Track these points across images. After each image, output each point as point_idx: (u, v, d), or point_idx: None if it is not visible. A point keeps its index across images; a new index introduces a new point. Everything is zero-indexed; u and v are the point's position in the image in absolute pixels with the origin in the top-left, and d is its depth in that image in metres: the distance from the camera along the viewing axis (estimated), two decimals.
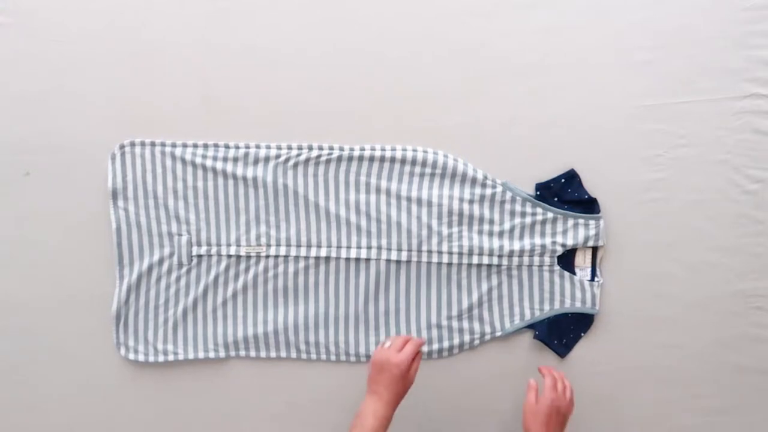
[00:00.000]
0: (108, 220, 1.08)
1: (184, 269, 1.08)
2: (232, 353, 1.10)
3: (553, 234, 1.06)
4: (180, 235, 1.08)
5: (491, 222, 1.06)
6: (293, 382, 1.10)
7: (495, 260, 1.06)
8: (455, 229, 1.06)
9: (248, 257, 1.07)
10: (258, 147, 1.06)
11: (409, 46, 1.05)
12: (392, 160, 1.06)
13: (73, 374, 1.11)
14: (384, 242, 1.07)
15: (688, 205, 1.06)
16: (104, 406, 1.11)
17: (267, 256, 1.07)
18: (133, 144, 1.07)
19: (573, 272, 1.07)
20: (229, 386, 1.11)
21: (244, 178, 1.06)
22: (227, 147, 1.07)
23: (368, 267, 1.07)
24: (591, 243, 1.05)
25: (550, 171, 1.06)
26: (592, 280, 1.07)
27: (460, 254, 1.06)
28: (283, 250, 1.07)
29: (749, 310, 1.07)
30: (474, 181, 1.06)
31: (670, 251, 1.07)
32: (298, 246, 1.07)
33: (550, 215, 1.05)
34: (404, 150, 1.06)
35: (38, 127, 1.07)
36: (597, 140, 1.06)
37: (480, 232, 1.06)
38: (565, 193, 1.05)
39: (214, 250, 1.08)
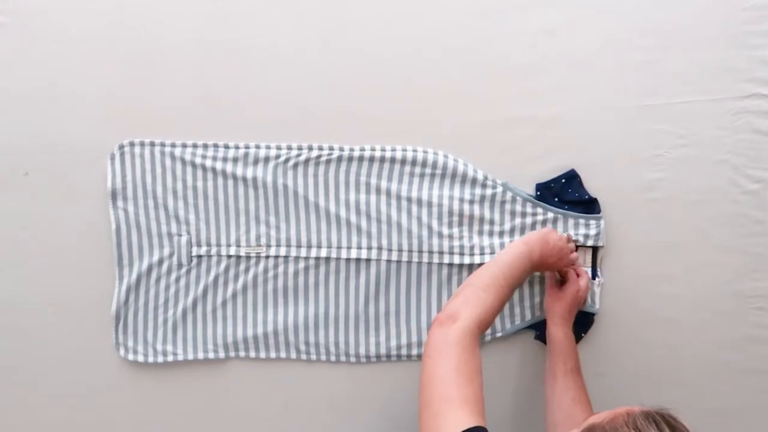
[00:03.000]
0: (107, 220, 1.07)
1: (184, 270, 1.08)
2: (232, 354, 1.09)
3: None
4: (180, 235, 1.08)
5: (492, 222, 1.06)
6: (293, 382, 1.10)
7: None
8: (455, 230, 1.06)
9: (248, 258, 1.07)
10: (258, 147, 1.06)
11: (408, 46, 1.05)
12: (392, 160, 1.06)
13: (73, 374, 1.10)
14: (384, 243, 1.06)
15: (688, 205, 1.06)
16: (104, 407, 1.11)
17: (267, 257, 1.07)
18: (132, 144, 1.07)
19: None
20: (229, 386, 1.10)
21: (244, 179, 1.06)
22: (227, 147, 1.06)
23: (368, 267, 1.07)
24: (591, 243, 1.05)
25: (550, 171, 1.06)
26: (593, 279, 1.07)
27: (461, 255, 1.06)
28: (283, 251, 1.07)
29: (749, 311, 1.07)
30: (474, 181, 1.05)
31: (670, 251, 1.07)
32: (298, 246, 1.07)
33: (550, 215, 1.05)
34: (404, 150, 1.06)
35: (37, 127, 1.07)
36: (597, 140, 1.06)
37: (480, 233, 1.06)
38: (566, 193, 1.05)
39: (213, 250, 1.08)
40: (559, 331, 0.98)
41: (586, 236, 1.05)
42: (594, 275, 1.07)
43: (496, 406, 1.10)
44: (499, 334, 1.08)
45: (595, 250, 1.07)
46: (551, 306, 1.01)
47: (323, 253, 1.07)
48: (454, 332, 0.77)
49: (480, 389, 0.72)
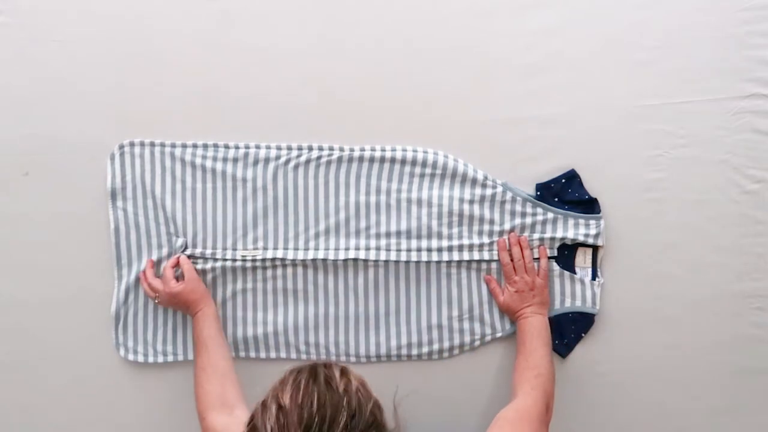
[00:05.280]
0: (107, 220, 1.07)
1: (182, 270, 1.08)
2: (232, 354, 1.09)
3: (554, 234, 1.06)
4: (177, 236, 1.08)
5: (491, 222, 1.06)
6: None
7: (495, 262, 1.06)
8: (455, 230, 1.06)
9: (246, 259, 1.07)
10: (258, 147, 1.06)
11: (409, 46, 1.05)
12: (392, 160, 1.06)
13: (73, 374, 1.10)
14: (384, 243, 1.06)
15: (688, 205, 1.06)
16: (104, 407, 1.11)
17: (265, 258, 1.07)
18: (132, 144, 1.07)
19: (573, 272, 1.07)
20: None
21: (244, 180, 1.06)
22: (227, 147, 1.06)
23: (368, 267, 1.07)
24: (591, 242, 1.05)
25: (550, 171, 1.06)
26: (593, 279, 1.07)
27: (461, 254, 1.06)
28: (280, 253, 1.07)
29: (749, 311, 1.07)
30: (474, 181, 1.05)
31: (670, 251, 1.07)
32: (296, 248, 1.07)
33: (550, 215, 1.05)
34: (404, 150, 1.06)
35: (38, 127, 1.07)
36: (597, 140, 1.06)
37: (480, 233, 1.06)
38: (566, 193, 1.05)
39: (210, 252, 1.07)
40: (518, 326, 1.04)
41: (586, 236, 1.05)
42: (594, 275, 1.07)
43: (497, 407, 1.10)
44: (499, 334, 1.08)
45: (595, 250, 1.07)
46: (510, 315, 1.07)
47: (321, 254, 1.07)
48: None
49: None
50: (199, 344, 0.98)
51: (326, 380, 0.69)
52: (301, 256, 1.07)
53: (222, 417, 0.87)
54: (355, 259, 1.07)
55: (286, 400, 0.66)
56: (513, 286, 1.04)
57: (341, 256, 1.06)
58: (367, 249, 1.06)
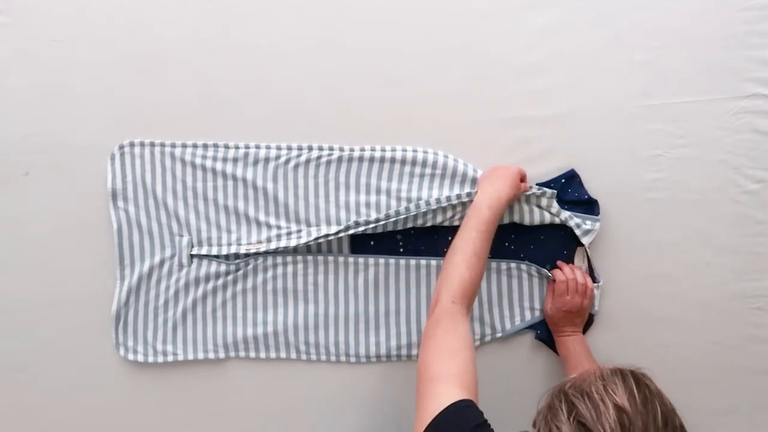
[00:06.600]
0: (107, 220, 1.07)
1: (185, 270, 1.08)
2: (232, 354, 1.09)
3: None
4: (181, 236, 1.08)
5: None
6: (293, 382, 1.10)
7: (494, 261, 1.06)
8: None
9: (247, 258, 1.07)
10: (258, 147, 1.06)
11: (409, 46, 1.05)
12: (392, 160, 1.06)
13: (73, 374, 1.10)
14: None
15: (688, 205, 1.06)
16: (104, 407, 1.11)
17: (266, 258, 1.07)
18: (132, 144, 1.07)
19: None
20: (229, 387, 1.10)
21: (244, 180, 1.06)
22: (227, 147, 1.06)
23: (368, 267, 1.07)
24: (581, 238, 1.05)
25: (550, 171, 1.06)
26: (594, 280, 1.07)
27: None
28: (285, 241, 1.07)
29: (749, 311, 1.07)
30: (474, 181, 1.05)
31: (670, 251, 1.07)
32: (299, 237, 1.07)
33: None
34: (404, 150, 1.06)
35: (38, 127, 1.07)
36: (597, 140, 1.06)
37: None
38: (566, 193, 1.05)
39: (214, 250, 1.07)
40: (558, 342, 1.03)
41: (583, 234, 1.05)
42: (594, 275, 1.07)
43: (497, 407, 1.10)
44: (499, 335, 1.08)
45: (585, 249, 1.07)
46: (547, 316, 1.05)
47: (323, 230, 1.06)
48: (435, 317, 0.82)
49: (463, 362, 0.76)
50: (482, 214, 0.92)
51: (658, 394, 0.68)
52: (303, 239, 1.05)
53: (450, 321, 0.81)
54: (356, 259, 1.07)
55: (624, 402, 0.64)
56: (564, 305, 1.02)
57: (342, 255, 1.06)
58: (366, 223, 1.04)
